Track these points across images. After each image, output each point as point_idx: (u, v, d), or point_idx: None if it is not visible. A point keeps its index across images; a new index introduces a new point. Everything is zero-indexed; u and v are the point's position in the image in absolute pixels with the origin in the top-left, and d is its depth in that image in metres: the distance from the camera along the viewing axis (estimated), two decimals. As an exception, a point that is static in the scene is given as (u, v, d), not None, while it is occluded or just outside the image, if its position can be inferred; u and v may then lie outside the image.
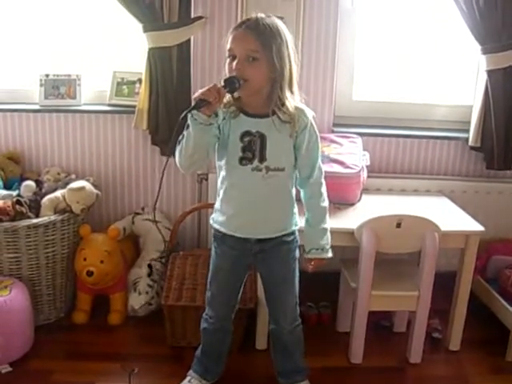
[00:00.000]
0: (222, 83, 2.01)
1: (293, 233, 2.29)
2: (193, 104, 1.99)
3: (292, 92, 2.12)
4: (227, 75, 2.05)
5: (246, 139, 2.11)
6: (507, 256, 3.21)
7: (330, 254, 2.31)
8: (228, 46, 2.05)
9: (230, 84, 2.01)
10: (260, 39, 2.00)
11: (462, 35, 3.24)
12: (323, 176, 2.29)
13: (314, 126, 2.19)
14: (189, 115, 1.99)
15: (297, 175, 2.25)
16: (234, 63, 2.02)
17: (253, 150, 2.11)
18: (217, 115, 2.05)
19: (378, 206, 2.93)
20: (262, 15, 2.06)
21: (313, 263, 2.31)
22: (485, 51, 3.12)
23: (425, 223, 2.64)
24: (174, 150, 2.12)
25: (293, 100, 2.12)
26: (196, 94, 1.99)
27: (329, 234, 2.31)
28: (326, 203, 2.30)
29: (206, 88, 1.98)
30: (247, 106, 2.11)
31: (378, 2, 3.35)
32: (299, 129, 2.13)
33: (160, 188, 2.28)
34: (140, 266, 3.18)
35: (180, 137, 2.09)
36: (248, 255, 2.29)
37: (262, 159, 2.12)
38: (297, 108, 2.12)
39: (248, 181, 2.15)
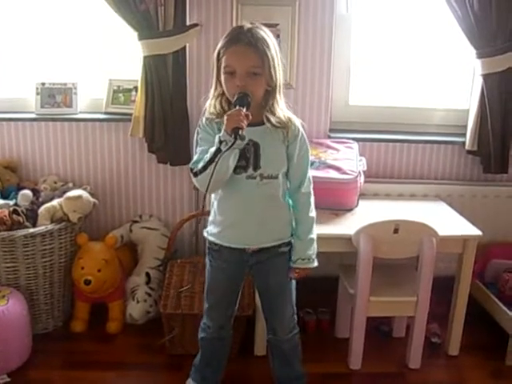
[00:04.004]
0: (235, 103, 2.01)
1: (289, 243, 2.27)
2: (230, 135, 1.96)
3: (280, 97, 2.14)
4: (226, 91, 2.07)
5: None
6: (505, 260, 3.22)
7: (315, 264, 2.28)
8: (225, 63, 2.04)
9: (244, 101, 2.00)
10: (259, 54, 2.01)
11: (457, 39, 3.25)
12: (312, 186, 2.27)
13: (305, 135, 2.20)
14: (223, 144, 1.98)
15: (287, 185, 2.24)
16: (237, 79, 2.02)
17: (247, 157, 2.11)
18: (244, 137, 2.01)
19: (376, 212, 2.93)
20: (251, 26, 2.06)
21: (298, 271, 2.29)
22: (480, 55, 3.12)
23: (422, 228, 2.64)
24: (197, 174, 2.07)
25: (283, 106, 2.14)
26: (230, 124, 1.97)
27: (315, 244, 2.29)
28: (313, 213, 2.28)
29: (235, 115, 1.97)
30: None
31: (373, 7, 3.36)
32: (291, 138, 2.14)
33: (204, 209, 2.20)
34: (138, 274, 3.18)
35: (194, 164, 2.10)
36: (244, 267, 2.29)
37: (256, 167, 2.12)
38: (286, 116, 2.14)
39: (243, 189, 2.14)
